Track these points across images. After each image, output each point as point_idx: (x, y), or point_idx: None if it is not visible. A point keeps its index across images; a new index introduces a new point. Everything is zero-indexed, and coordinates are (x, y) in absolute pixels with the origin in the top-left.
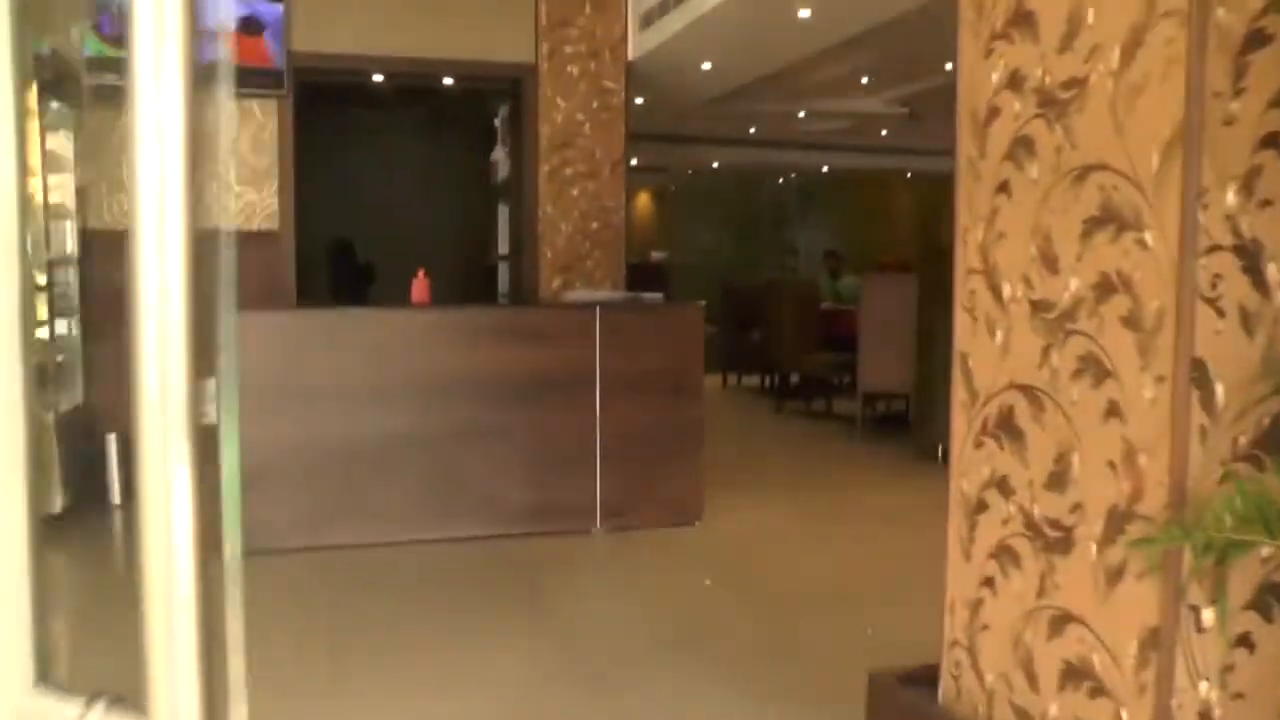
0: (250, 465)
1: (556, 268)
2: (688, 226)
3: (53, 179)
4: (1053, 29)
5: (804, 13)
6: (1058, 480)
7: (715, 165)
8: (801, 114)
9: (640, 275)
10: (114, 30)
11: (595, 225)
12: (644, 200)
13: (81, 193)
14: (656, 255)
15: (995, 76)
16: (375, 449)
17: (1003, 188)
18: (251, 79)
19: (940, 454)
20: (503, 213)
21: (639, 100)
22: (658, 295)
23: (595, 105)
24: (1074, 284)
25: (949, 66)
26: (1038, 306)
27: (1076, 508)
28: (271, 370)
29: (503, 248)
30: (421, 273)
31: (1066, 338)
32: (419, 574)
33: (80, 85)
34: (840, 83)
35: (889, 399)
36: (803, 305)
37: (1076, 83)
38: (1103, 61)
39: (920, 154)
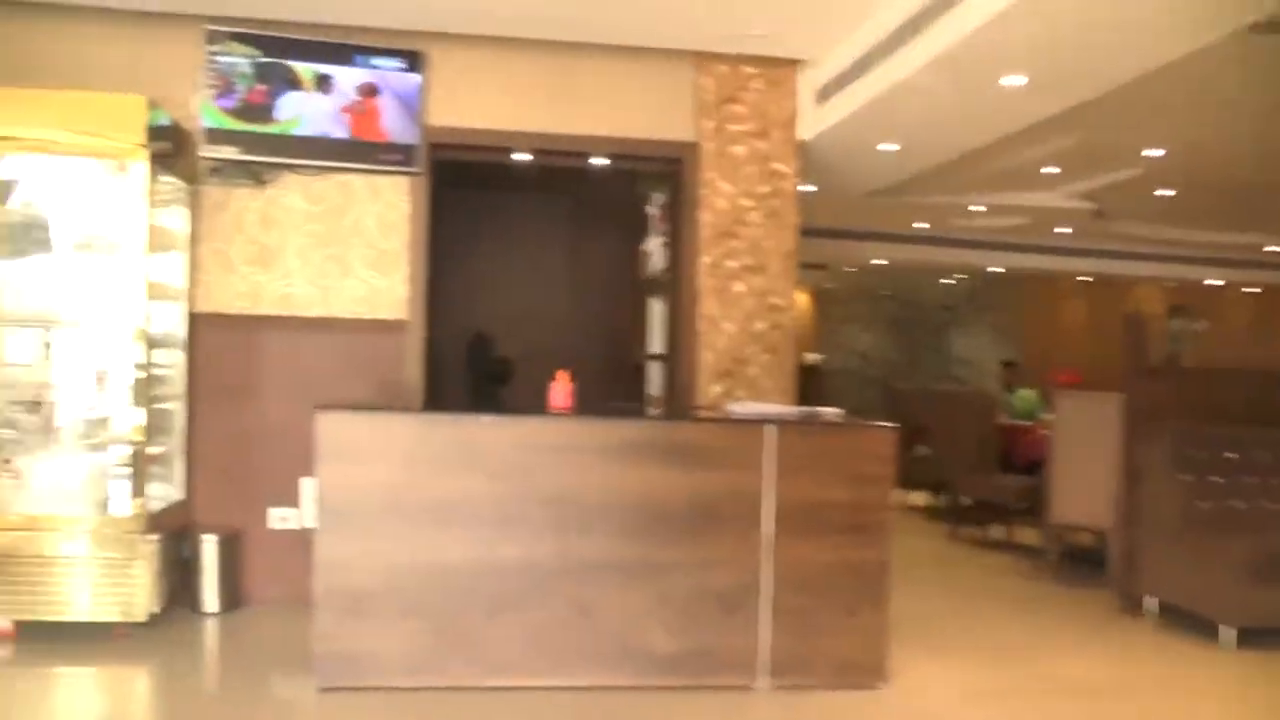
0: (356, 589)
1: (717, 373)
2: (845, 327)
3: (162, 257)
4: None
5: (1017, 79)
6: None
7: (877, 262)
8: (983, 208)
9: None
10: (233, 102)
11: (761, 325)
12: (799, 298)
13: (193, 272)
14: (811, 358)
15: None
16: (500, 578)
17: None
18: (379, 155)
19: (1156, 609)
20: (654, 308)
21: (809, 187)
22: (837, 411)
23: (764, 190)
24: None
25: (1157, 153)
26: None
27: None
28: (384, 481)
29: (654, 346)
30: (564, 374)
31: None
32: None
33: (195, 159)
34: (1021, 173)
35: (1077, 532)
36: (977, 419)
37: None
38: None
39: (1099, 256)
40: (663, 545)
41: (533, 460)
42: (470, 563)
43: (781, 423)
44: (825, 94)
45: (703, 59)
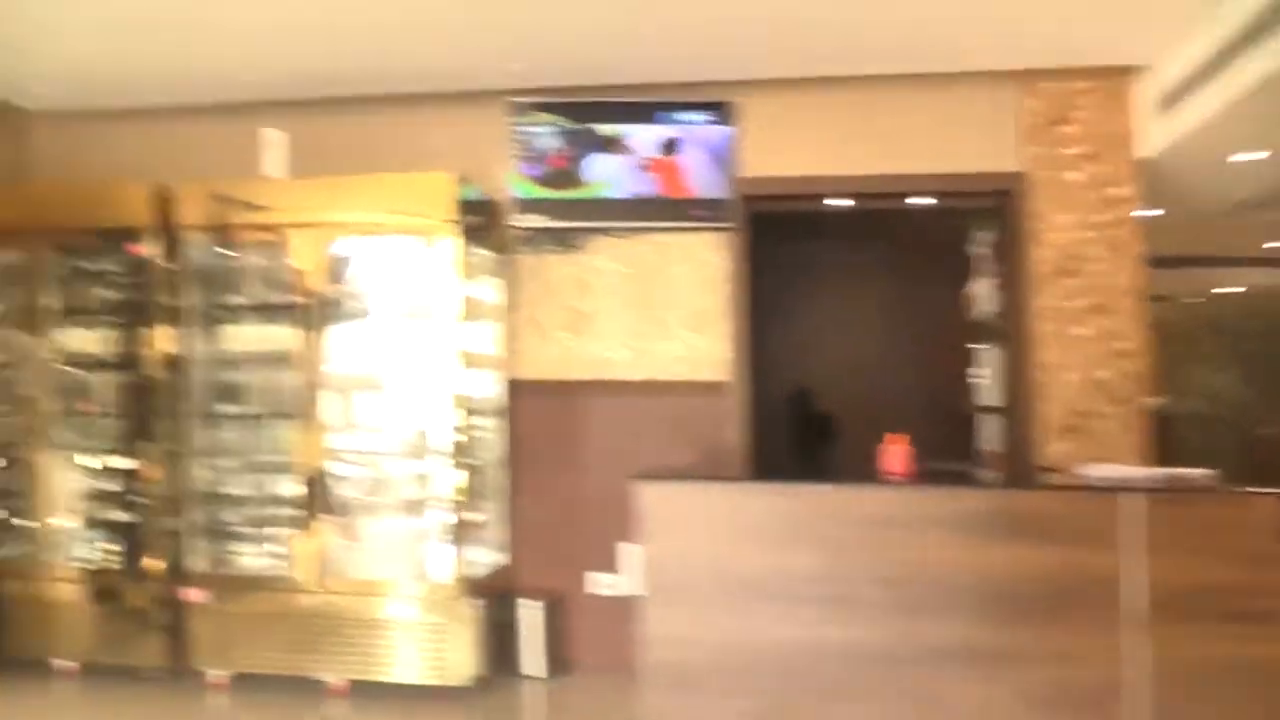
0: (681, 664)
1: (1060, 428)
2: (1189, 367)
3: (476, 325)
4: None
5: None
6: None
7: (1220, 291)
8: None
9: None
10: (540, 171)
11: (1106, 373)
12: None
13: (509, 340)
14: (1153, 402)
15: None
16: (827, 663)
17: None
18: (689, 211)
19: None
20: (981, 356)
21: (1155, 211)
22: (1207, 472)
23: (1104, 219)
24: None
25: None
26: None
27: None
28: (706, 553)
29: (983, 397)
30: (900, 438)
31: None
32: None
33: (506, 229)
34: None
35: None
36: None
37: None
38: None
39: None
40: (1012, 631)
41: (866, 533)
42: (799, 643)
43: (1147, 490)
44: (1169, 101)
45: (1026, 77)
